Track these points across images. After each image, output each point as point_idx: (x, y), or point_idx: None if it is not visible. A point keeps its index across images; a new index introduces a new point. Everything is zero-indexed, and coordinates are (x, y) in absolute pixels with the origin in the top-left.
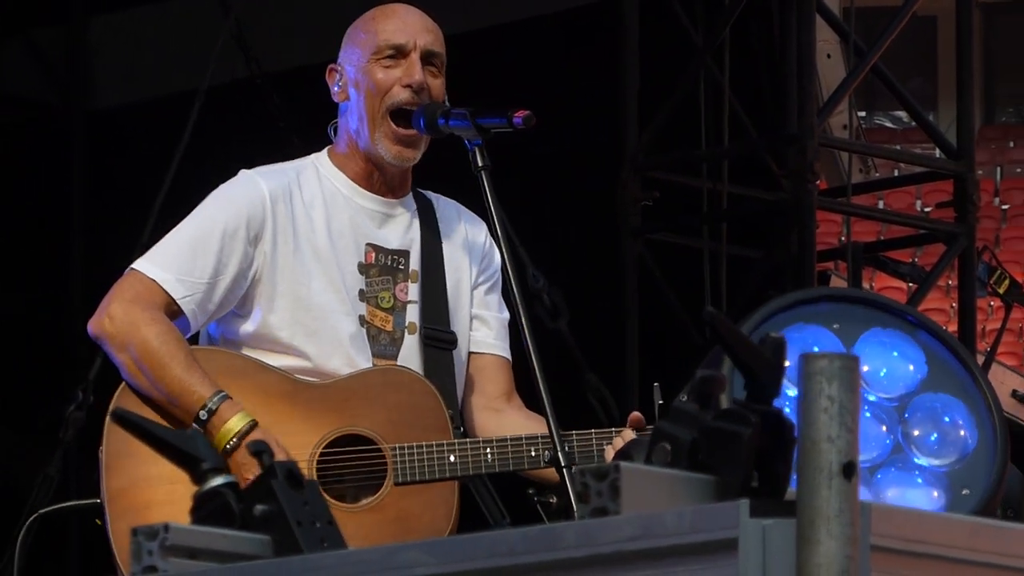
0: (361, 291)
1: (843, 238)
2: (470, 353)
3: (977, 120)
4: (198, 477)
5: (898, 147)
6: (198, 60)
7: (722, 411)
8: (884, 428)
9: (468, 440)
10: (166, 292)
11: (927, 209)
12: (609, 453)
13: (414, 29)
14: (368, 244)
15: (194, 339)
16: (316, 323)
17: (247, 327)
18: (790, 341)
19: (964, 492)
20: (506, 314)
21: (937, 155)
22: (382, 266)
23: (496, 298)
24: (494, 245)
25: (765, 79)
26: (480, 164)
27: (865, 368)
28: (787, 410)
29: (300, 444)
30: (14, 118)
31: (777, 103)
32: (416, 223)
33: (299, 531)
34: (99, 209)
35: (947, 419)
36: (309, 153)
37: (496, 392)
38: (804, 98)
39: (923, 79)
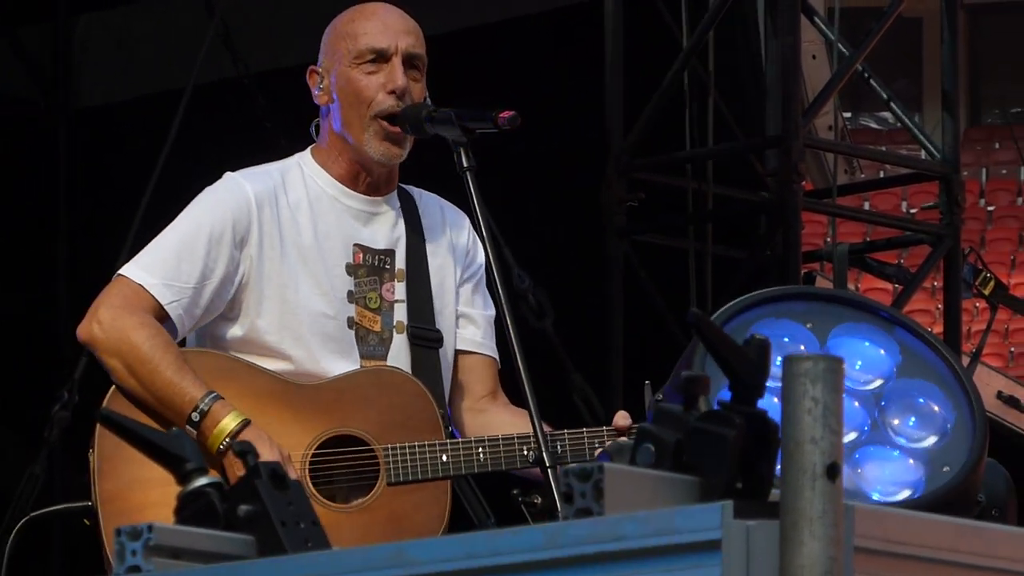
0: (350, 292)
1: (828, 239)
2: (457, 352)
3: (963, 121)
4: (182, 477)
5: (883, 148)
6: (184, 59)
7: (706, 412)
8: (861, 408)
9: (460, 440)
10: (153, 297)
11: (913, 210)
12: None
13: (395, 31)
14: (355, 245)
15: (182, 344)
16: (304, 326)
17: (235, 331)
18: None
19: (944, 469)
20: (491, 310)
21: (923, 156)
22: (369, 266)
23: (481, 295)
24: (477, 240)
25: (750, 80)
26: (465, 165)
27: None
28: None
29: (292, 445)
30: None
31: (762, 104)
32: (401, 221)
33: (283, 531)
34: (85, 207)
35: (922, 400)
36: (295, 153)
37: (482, 391)
38: (789, 99)
39: (908, 80)
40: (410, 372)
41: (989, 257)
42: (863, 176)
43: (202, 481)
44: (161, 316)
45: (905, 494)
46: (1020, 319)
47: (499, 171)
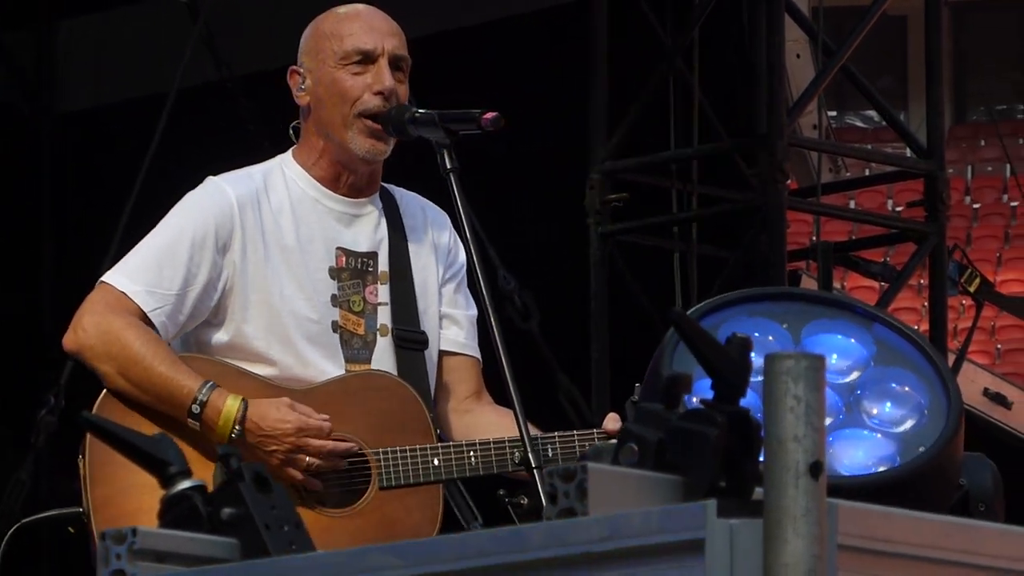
0: (334, 296)
1: (813, 238)
2: (441, 352)
3: (947, 119)
4: (165, 481)
5: (869, 147)
6: (168, 63)
7: (689, 411)
8: (835, 395)
9: (451, 443)
10: (136, 304)
11: (898, 208)
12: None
13: (381, 33)
14: (338, 248)
15: None
16: (291, 331)
17: (221, 336)
18: (728, 330)
19: (920, 449)
20: (474, 310)
21: (908, 154)
22: (352, 269)
23: (464, 294)
24: (459, 240)
25: (735, 79)
26: (449, 166)
27: None
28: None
29: None
30: None
31: (747, 103)
32: (383, 222)
33: (267, 534)
34: (71, 210)
35: (898, 387)
36: (278, 155)
37: (467, 392)
38: (773, 98)
39: (893, 78)
40: (395, 375)
41: (975, 254)
42: (848, 174)
43: (185, 484)
44: (145, 323)
45: (880, 469)
46: (1006, 316)
47: (484, 172)
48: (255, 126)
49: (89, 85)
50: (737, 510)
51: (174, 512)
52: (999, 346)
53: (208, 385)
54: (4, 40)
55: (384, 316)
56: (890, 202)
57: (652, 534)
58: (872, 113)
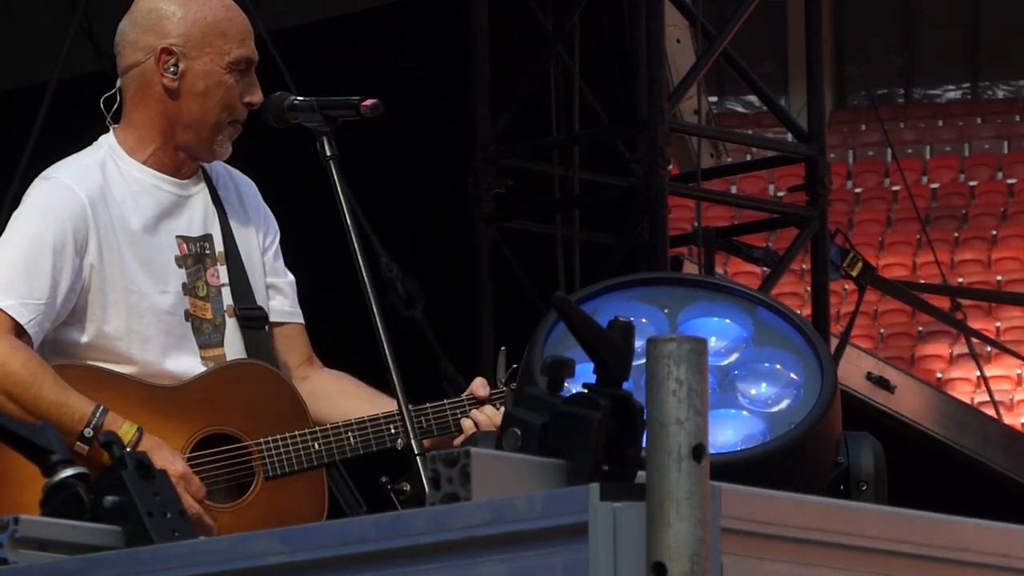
0: (184, 284)
1: (695, 223)
2: (270, 324)
3: (828, 103)
4: (47, 469)
5: (750, 132)
6: (47, 53)
7: (572, 396)
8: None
9: (329, 426)
10: (12, 318)
11: (780, 194)
12: (466, 423)
13: (252, 38)
14: (177, 237)
15: None
16: (151, 328)
17: (81, 337)
18: (604, 315)
19: (790, 426)
20: (291, 277)
21: (789, 139)
22: (194, 255)
23: (280, 262)
24: (267, 208)
25: (615, 65)
26: (328, 154)
27: None
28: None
29: None
30: None
31: (627, 89)
32: (209, 201)
33: (150, 522)
34: None
35: (773, 367)
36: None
37: (300, 360)
38: (654, 84)
39: (774, 63)
40: (244, 355)
41: (857, 239)
42: (729, 160)
43: (68, 472)
44: (20, 334)
45: (748, 447)
46: (889, 300)
47: (366, 160)
48: None
49: None
50: (620, 494)
51: (56, 500)
52: (882, 330)
53: (101, 410)
54: None
55: (228, 297)
56: (772, 187)
57: (536, 518)
58: (753, 98)
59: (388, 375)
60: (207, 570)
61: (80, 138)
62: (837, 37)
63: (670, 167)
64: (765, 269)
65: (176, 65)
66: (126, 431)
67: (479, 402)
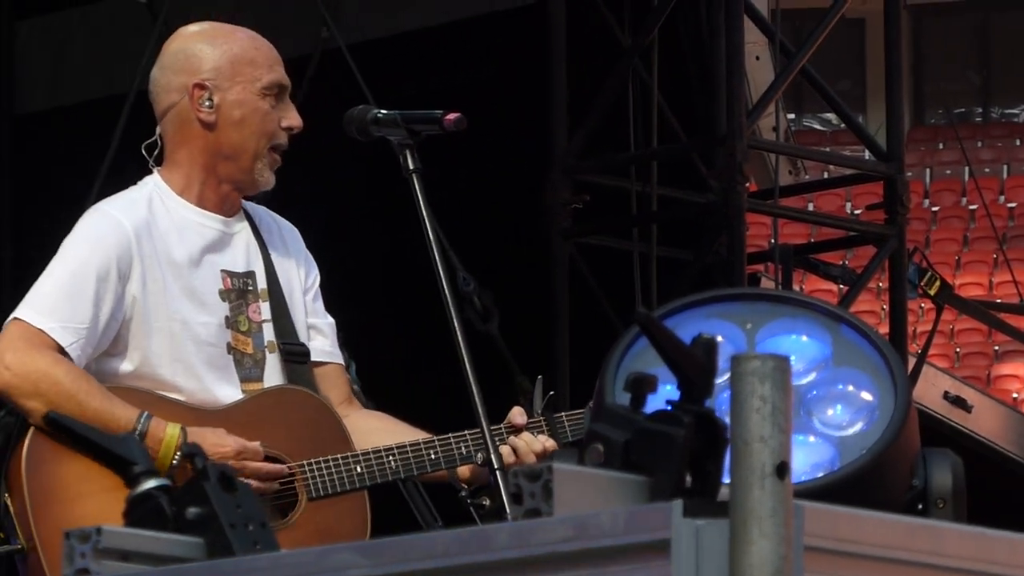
0: (226, 318)
1: (772, 240)
2: (311, 363)
3: (906, 122)
4: (130, 480)
5: (827, 149)
6: (127, 64)
7: (655, 412)
8: None
9: (371, 450)
10: (54, 340)
11: (857, 211)
12: (504, 450)
13: (281, 65)
14: (222, 271)
15: None
16: (194, 357)
17: (125, 366)
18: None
19: (862, 451)
20: (331, 319)
21: (867, 157)
22: (237, 290)
23: (320, 303)
24: (308, 253)
25: (694, 81)
26: (411, 167)
27: None
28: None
29: None
30: None
31: (706, 105)
32: (252, 239)
33: (232, 533)
34: (29, 213)
35: (850, 389)
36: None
37: (340, 399)
38: (733, 100)
39: (852, 81)
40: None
41: (934, 257)
42: (807, 177)
43: (151, 484)
44: (62, 355)
45: (818, 475)
46: (965, 319)
47: (445, 174)
48: None
49: (47, 86)
50: (703, 511)
51: (139, 511)
52: (958, 349)
53: (145, 416)
54: None
55: (269, 333)
56: (848, 205)
57: (618, 535)
58: (831, 116)
59: (468, 389)
60: None
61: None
62: (916, 56)
63: (748, 184)
64: (842, 287)
65: (211, 98)
66: (171, 433)
67: (516, 430)
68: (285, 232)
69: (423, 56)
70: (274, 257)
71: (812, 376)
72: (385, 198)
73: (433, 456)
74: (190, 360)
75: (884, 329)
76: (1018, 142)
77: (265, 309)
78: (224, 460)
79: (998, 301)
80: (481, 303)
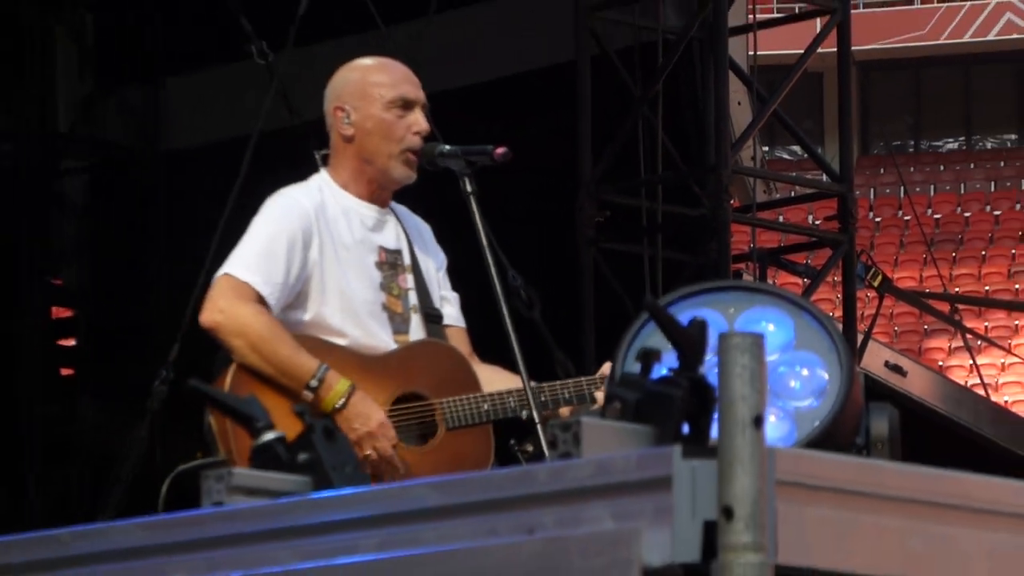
0: (381, 283)
1: (751, 245)
2: (443, 325)
3: (855, 152)
4: (253, 433)
5: (794, 174)
6: (251, 111)
7: (660, 378)
8: None
9: (495, 392)
10: (257, 292)
11: (817, 222)
12: (599, 395)
13: (415, 85)
14: (379, 247)
15: None
16: (360, 311)
17: (302, 316)
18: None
19: (815, 423)
20: (456, 294)
21: (824, 180)
22: (390, 263)
23: (448, 280)
24: (436, 243)
25: (690, 123)
26: (469, 190)
27: None
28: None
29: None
30: (107, 158)
31: (699, 140)
32: (399, 227)
33: (333, 474)
34: (177, 231)
35: (801, 367)
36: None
37: (466, 353)
38: (720, 136)
39: (812, 121)
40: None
41: (877, 257)
42: (778, 195)
43: (270, 436)
44: (262, 304)
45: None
46: (901, 305)
47: (494, 195)
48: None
49: (189, 129)
50: (697, 453)
51: (261, 458)
52: (896, 328)
53: (324, 367)
54: (126, 94)
55: (413, 298)
56: (810, 217)
57: (631, 472)
58: (796, 148)
59: (514, 360)
60: (373, 512)
61: (277, 175)
62: (862, 101)
63: (732, 201)
64: (805, 281)
65: (348, 117)
66: (341, 385)
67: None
68: (421, 226)
69: (477, 106)
70: (414, 242)
71: (775, 356)
72: (446, 216)
73: (543, 398)
74: (357, 313)
75: (838, 313)
76: (942, 168)
77: (410, 280)
78: (367, 423)
79: (926, 291)
80: (526, 295)
